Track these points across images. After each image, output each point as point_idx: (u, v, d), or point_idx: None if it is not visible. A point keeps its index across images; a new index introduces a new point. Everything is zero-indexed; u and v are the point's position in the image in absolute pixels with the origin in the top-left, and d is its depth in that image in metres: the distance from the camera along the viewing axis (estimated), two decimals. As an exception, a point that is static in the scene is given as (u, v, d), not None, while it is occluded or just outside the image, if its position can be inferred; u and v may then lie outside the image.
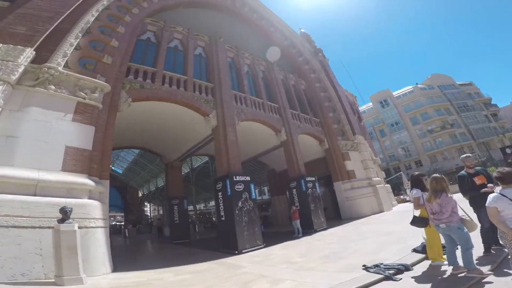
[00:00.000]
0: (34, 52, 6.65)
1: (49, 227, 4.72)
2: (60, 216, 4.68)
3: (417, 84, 52.29)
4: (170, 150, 16.79)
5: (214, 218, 29.87)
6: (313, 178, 13.23)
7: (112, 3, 10.52)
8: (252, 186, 9.74)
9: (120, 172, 36.88)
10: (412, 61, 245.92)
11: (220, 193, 9.52)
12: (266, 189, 31.34)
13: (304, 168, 13.71)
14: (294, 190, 12.76)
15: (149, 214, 44.86)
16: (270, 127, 14.26)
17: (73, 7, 8.86)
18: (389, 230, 8.44)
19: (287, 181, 13.85)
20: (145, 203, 44.62)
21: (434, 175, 3.97)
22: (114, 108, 8.09)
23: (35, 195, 5.03)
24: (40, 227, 4.77)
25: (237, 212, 8.68)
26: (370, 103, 55.03)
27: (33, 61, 6.53)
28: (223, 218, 9.20)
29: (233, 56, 15.98)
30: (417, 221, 4.54)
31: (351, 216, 14.17)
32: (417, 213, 4.63)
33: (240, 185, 9.28)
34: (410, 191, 4.92)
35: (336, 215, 15.87)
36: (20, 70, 6.00)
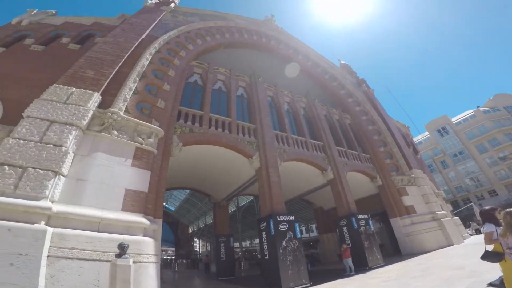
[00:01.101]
0: (100, 97, 7.36)
1: (107, 261, 5.05)
2: (117, 251, 5.02)
3: (478, 107, 47.49)
4: (218, 190, 17.18)
5: (259, 256, 30.20)
6: (366, 216, 12.87)
7: (163, 46, 11.72)
8: (296, 225, 9.78)
9: (173, 209, 39.59)
10: (469, 83, 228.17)
11: (264, 233, 9.69)
12: (313, 226, 31.34)
13: (354, 206, 13.23)
14: (345, 228, 12.44)
15: (197, 250, 45.90)
16: (315, 166, 13.88)
17: (131, 50, 9.90)
18: (459, 264, 7.86)
19: (336, 219, 13.57)
20: (195, 239, 46.08)
21: (508, 209, 3.66)
22: (167, 152, 8.51)
23: (98, 231, 5.47)
24: (99, 260, 5.12)
25: (281, 251, 8.72)
26: (426, 133, 51.38)
27: (99, 106, 7.19)
28: (266, 257, 9.28)
29: (272, 95, 16.42)
30: (489, 256, 3.98)
31: (412, 252, 13.31)
32: (490, 247, 3.91)
33: (284, 224, 9.39)
34: (482, 227, 4.28)
35: (395, 251, 15.14)
36: (89, 115, 6.58)
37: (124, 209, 6.14)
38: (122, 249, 5.02)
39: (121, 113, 7.30)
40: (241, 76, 15.65)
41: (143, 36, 11.19)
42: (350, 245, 11.56)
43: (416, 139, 39.85)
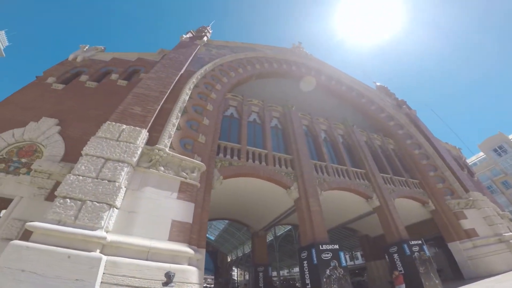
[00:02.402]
0: (147, 134, 8.07)
1: None
2: (164, 279, 5.31)
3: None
4: (256, 220, 17.56)
5: (298, 284, 29.33)
6: (419, 242, 12.49)
7: (200, 81, 12.62)
8: (341, 254, 9.78)
9: (213, 238, 41.57)
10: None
11: (305, 262, 9.73)
12: (358, 254, 31.60)
13: (405, 232, 12.85)
14: (395, 254, 12.14)
15: (235, 279, 46.09)
16: (359, 194, 13.60)
17: (172, 85, 10.80)
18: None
19: (384, 246, 13.24)
20: (233, 268, 46.54)
21: None
22: (209, 185, 8.97)
23: (147, 259, 5.85)
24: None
25: (324, 280, 8.72)
26: (481, 153, 47.34)
27: (146, 142, 7.89)
28: (308, 286, 9.19)
29: (308, 124, 16.66)
30: None
31: (477, 275, 12.75)
32: None
33: (328, 253, 9.42)
34: None
35: (455, 275, 14.71)
36: (139, 152, 7.27)
37: (171, 239, 6.54)
38: (169, 278, 5.33)
39: (167, 150, 7.99)
40: (274, 106, 16.25)
41: (182, 71, 12.21)
42: (403, 272, 11.35)
43: (470, 160, 36.29)
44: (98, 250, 5.36)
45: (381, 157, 16.96)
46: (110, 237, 5.63)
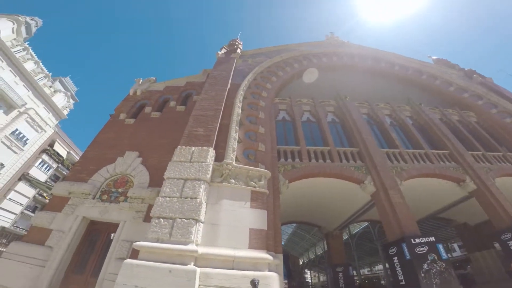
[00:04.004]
0: (214, 151, 8.87)
1: None
2: (250, 286, 5.73)
3: None
4: (328, 220, 17.62)
5: (382, 282, 30.53)
6: None
7: (246, 92, 13.18)
8: (439, 246, 9.39)
9: (282, 243, 41.58)
10: None
11: (395, 258, 9.53)
12: (455, 245, 31.03)
13: None
14: (511, 242, 10.90)
15: (309, 281, 45.86)
16: (446, 179, 12.38)
17: (223, 102, 11.43)
18: None
19: (491, 234, 12.60)
20: (306, 271, 46.38)
21: None
22: (277, 191, 9.41)
23: (232, 269, 6.34)
24: None
25: (422, 275, 8.43)
26: None
27: (214, 159, 8.63)
28: (402, 282, 9.01)
29: (367, 111, 16.05)
30: None
31: None
32: None
33: (423, 247, 9.09)
34: None
35: None
36: (210, 169, 8.09)
37: (251, 247, 7.03)
38: (254, 285, 5.71)
39: (234, 163, 8.71)
40: (326, 101, 16.08)
41: (228, 86, 12.90)
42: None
43: None
44: (192, 263, 6.05)
45: (464, 133, 15.33)
46: (201, 250, 6.35)
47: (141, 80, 16.57)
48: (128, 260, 5.91)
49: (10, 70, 35.47)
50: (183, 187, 7.45)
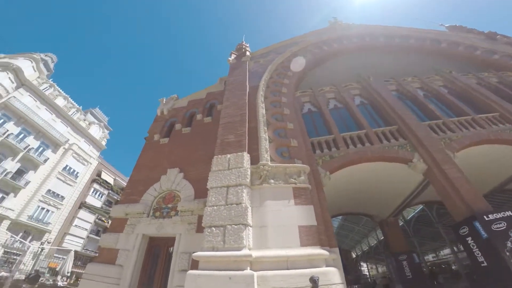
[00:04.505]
0: (248, 155, 9.02)
1: None
2: (309, 284, 5.73)
3: None
4: (379, 208, 17.14)
5: (453, 267, 28.66)
6: None
7: (266, 91, 13.20)
8: None
9: None
10: None
11: (469, 238, 8.83)
12: None
13: None
14: None
15: (367, 274, 44.74)
16: (505, 143, 11.30)
17: (246, 105, 11.55)
18: None
19: None
20: (361, 263, 45.31)
21: None
22: (319, 184, 9.29)
23: (287, 268, 6.34)
24: None
25: (508, 254, 7.71)
26: None
27: (251, 163, 8.78)
28: (484, 264, 8.23)
29: (396, 88, 15.41)
30: None
31: None
32: None
33: (500, 223, 8.32)
34: None
35: None
36: (248, 173, 8.28)
37: (303, 244, 7.02)
38: (314, 282, 5.66)
39: (269, 163, 8.78)
40: (349, 84, 15.75)
41: (247, 90, 13.03)
42: None
43: None
44: (248, 268, 6.20)
45: (509, 93, 14.03)
46: (254, 254, 6.48)
47: (164, 99, 17.12)
48: (191, 272, 6.22)
49: (46, 109, 38.96)
50: (227, 194, 7.71)
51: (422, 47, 18.39)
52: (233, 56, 17.64)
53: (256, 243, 6.95)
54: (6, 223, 30.49)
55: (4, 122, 32.55)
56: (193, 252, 6.99)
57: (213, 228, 7.00)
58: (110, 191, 47.33)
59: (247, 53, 17.56)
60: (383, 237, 20.63)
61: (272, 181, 8.34)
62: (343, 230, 36.26)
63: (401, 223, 23.94)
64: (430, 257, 42.29)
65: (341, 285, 6.60)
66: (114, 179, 49.82)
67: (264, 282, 5.98)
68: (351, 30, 19.82)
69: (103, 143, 50.12)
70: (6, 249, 29.99)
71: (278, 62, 16.05)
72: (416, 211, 23.70)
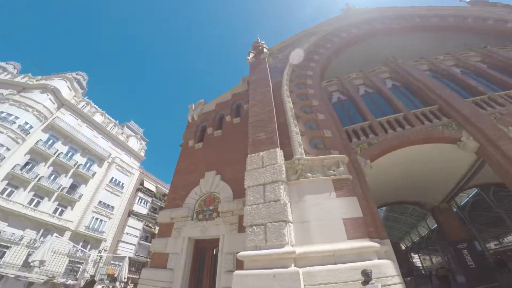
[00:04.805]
0: (281, 151, 8.86)
1: None
2: (361, 278, 5.43)
3: None
4: (428, 194, 16.31)
5: None
6: None
7: (290, 85, 12.88)
8: None
9: None
10: None
11: None
12: None
13: None
14: None
15: (419, 265, 42.56)
16: None
17: (272, 102, 11.37)
18: None
19: None
20: (411, 255, 43.30)
21: None
22: (360, 174, 8.88)
23: (335, 263, 6.10)
24: None
25: None
26: None
27: (284, 159, 8.60)
28: None
29: (428, 67, 14.63)
30: None
31: None
32: None
33: None
34: None
35: None
36: (283, 168, 8.12)
37: (349, 237, 6.72)
38: (367, 276, 5.35)
39: (304, 157, 8.52)
40: (377, 68, 15.11)
41: (271, 86, 12.78)
42: None
43: None
44: (292, 264, 6.08)
45: None
46: (298, 250, 6.33)
47: (193, 105, 17.61)
48: (237, 272, 6.26)
49: (87, 126, 42.17)
50: (264, 192, 7.64)
51: (447, 25, 17.29)
52: (251, 55, 17.55)
53: (299, 239, 6.78)
54: (67, 234, 33.79)
55: (53, 143, 36.02)
56: (237, 252, 7.05)
57: (254, 227, 6.98)
58: (153, 198, 50.21)
59: (265, 50, 17.37)
60: (435, 226, 19.28)
61: (309, 174, 8.12)
62: (389, 222, 34.89)
63: (454, 210, 22.51)
64: (491, 245, 39.10)
65: (397, 277, 6.23)
66: (156, 187, 52.71)
67: (310, 278, 5.81)
68: (367, 14, 19.05)
69: (142, 154, 53.30)
70: (70, 258, 33.29)
71: (298, 55, 15.60)
72: (470, 196, 21.97)
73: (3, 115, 31.74)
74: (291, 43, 17.76)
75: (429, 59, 14.91)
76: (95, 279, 16.34)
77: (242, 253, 6.59)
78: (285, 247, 6.32)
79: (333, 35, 17.61)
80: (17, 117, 32.50)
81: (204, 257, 9.26)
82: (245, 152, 9.61)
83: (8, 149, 30.57)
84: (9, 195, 29.96)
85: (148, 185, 50.27)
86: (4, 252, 28.23)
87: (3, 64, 43.21)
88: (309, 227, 7.04)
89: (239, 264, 7.21)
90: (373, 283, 5.25)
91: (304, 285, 5.64)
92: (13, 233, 29.28)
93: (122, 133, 50.00)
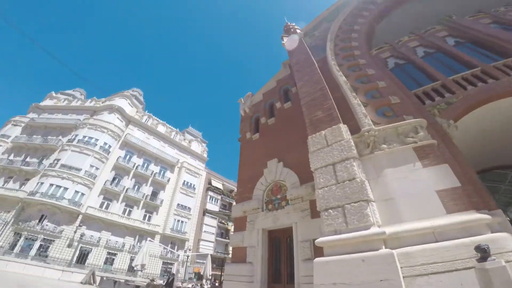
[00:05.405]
0: (346, 125, 7.97)
1: (465, 268, 4.71)
2: (474, 255, 4.65)
3: None
4: None
5: None
6: None
7: (337, 59, 11.81)
8: None
9: None
10: None
11: None
12: None
13: None
14: None
15: None
16: None
17: (323, 79, 10.42)
18: None
19: None
20: None
21: None
22: (446, 137, 7.63)
23: (436, 241, 5.25)
24: (456, 270, 4.79)
25: None
26: None
27: (351, 133, 7.73)
28: None
29: (491, 20, 13.06)
30: None
31: None
32: None
33: None
34: None
35: None
36: (352, 144, 7.26)
37: (449, 211, 5.65)
38: (484, 252, 4.51)
39: (374, 127, 7.54)
40: (432, 28, 13.61)
41: (316, 64, 11.79)
42: None
43: None
44: (383, 246, 5.41)
45: None
46: (388, 230, 5.57)
47: (242, 99, 17.71)
48: (318, 259, 5.84)
49: (154, 138, 46.60)
50: (335, 172, 6.94)
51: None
52: (285, 39, 16.62)
53: (385, 218, 5.97)
54: (157, 237, 38.15)
55: (130, 157, 40.95)
56: (313, 239, 6.59)
57: (330, 211, 6.38)
58: (222, 196, 53.28)
59: (298, 31, 16.42)
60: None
61: (384, 146, 7.11)
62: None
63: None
64: None
65: (521, 251, 5.04)
66: (223, 184, 55.75)
67: (408, 259, 5.10)
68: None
69: (205, 155, 56.96)
70: (163, 260, 37.54)
71: (336, 27, 14.50)
72: None
73: (85, 139, 37.22)
74: (324, 18, 16.50)
75: (487, 12, 13.20)
76: (154, 282, 17.87)
77: (320, 239, 6.11)
78: (371, 229, 5.64)
79: (370, 2, 15.85)
80: (97, 139, 37.82)
81: (279, 248, 9.03)
82: (304, 135, 8.99)
83: (97, 168, 35.87)
84: (106, 207, 35.28)
85: (216, 183, 53.45)
86: (113, 259, 33.41)
87: (71, 92, 50.72)
88: (395, 204, 6.15)
89: (318, 251, 6.74)
90: (493, 259, 4.40)
91: (401, 267, 5.02)
92: (117, 241, 34.42)
93: (184, 139, 54.20)
